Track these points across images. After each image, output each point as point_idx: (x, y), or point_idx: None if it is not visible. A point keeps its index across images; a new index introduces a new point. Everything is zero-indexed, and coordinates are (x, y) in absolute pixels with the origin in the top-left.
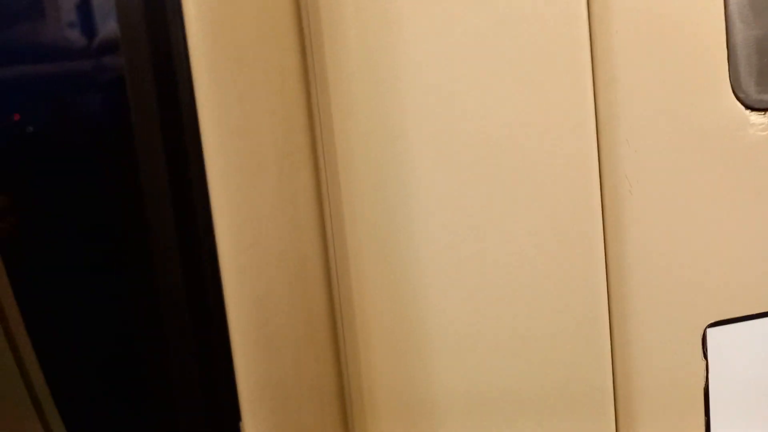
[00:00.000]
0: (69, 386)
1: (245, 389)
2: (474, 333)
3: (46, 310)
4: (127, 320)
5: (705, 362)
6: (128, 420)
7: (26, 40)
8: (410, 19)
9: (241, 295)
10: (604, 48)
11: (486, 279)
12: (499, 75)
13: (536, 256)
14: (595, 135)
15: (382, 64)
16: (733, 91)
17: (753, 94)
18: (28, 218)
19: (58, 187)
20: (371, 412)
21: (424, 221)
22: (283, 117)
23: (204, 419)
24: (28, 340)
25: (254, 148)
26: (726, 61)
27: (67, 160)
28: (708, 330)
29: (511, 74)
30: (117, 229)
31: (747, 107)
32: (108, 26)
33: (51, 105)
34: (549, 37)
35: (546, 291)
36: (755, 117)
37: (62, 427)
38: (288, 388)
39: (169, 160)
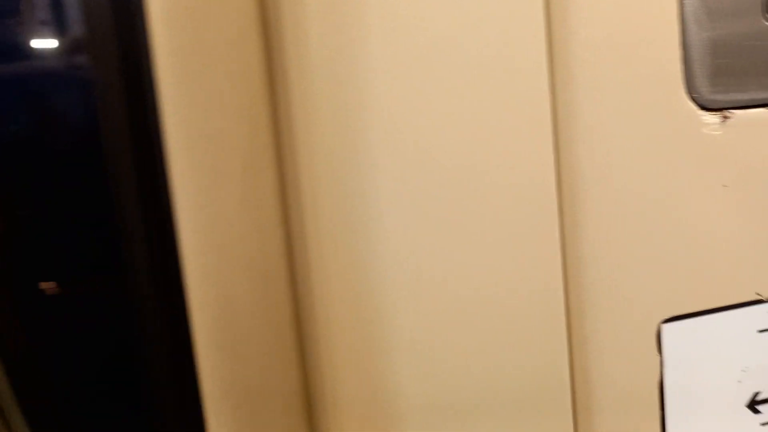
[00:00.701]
0: (33, 390)
1: (211, 395)
2: (435, 335)
3: (12, 313)
4: (90, 324)
5: (660, 357)
6: (93, 424)
7: None
8: (374, 19)
9: (206, 298)
10: (562, 48)
11: (445, 280)
12: (460, 76)
13: (494, 255)
14: (553, 135)
15: (344, 66)
16: (687, 92)
17: (706, 94)
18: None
19: (23, 190)
20: (336, 415)
21: (385, 223)
22: (247, 119)
23: (169, 423)
24: None
25: (218, 150)
26: (680, 62)
27: (31, 162)
28: (662, 325)
29: (470, 75)
30: (80, 233)
31: (701, 107)
32: (73, 28)
33: (15, 107)
34: (507, 37)
35: (504, 290)
36: (708, 117)
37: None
38: (253, 392)
39: (134, 162)
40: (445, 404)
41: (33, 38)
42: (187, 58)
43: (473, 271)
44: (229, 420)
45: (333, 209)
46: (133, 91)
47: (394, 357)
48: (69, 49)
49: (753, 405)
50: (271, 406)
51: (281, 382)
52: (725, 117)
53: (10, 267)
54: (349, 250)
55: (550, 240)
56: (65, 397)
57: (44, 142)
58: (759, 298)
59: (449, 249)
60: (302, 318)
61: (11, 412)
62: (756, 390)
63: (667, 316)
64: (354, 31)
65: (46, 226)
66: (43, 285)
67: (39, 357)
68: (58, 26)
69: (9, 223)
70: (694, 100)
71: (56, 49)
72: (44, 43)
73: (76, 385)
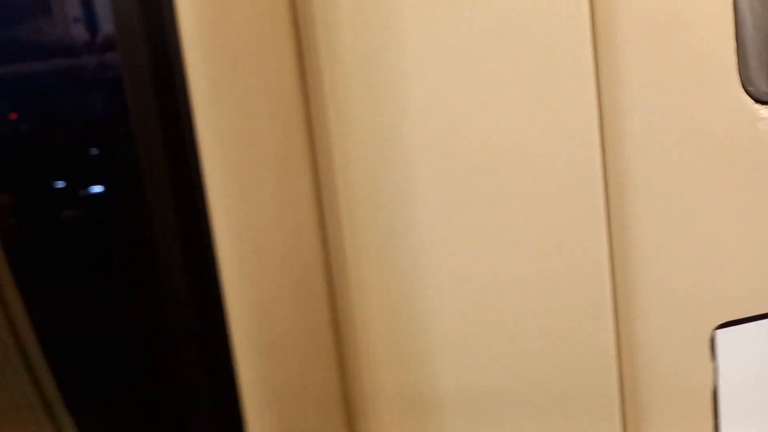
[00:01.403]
0: (74, 393)
1: (249, 397)
2: (477, 336)
3: (50, 313)
4: (129, 328)
5: (713, 364)
6: (132, 428)
7: (20, 39)
8: (408, 19)
9: (243, 303)
10: (608, 43)
11: (488, 281)
12: (500, 75)
13: (540, 257)
14: (599, 134)
15: (379, 66)
16: (743, 85)
17: (763, 87)
18: (28, 219)
19: (56, 190)
20: (376, 417)
21: (424, 224)
22: (281, 120)
23: (209, 427)
24: (37, 343)
25: (253, 152)
26: (735, 54)
27: (63, 162)
28: (716, 331)
29: (512, 74)
30: (116, 236)
31: (757, 101)
32: (103, 27)
33: (47, 105)
34: (550, 34)
35: (550, 293)
36: (765, 111)
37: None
38: (292, 396)
39: (168, 166)
40: (488, 409)
41: (62, 37)
42: (218, 59)
43: (516, 270)
44: (268, 422)
45: (369, 209)
46: (165, 93)
47: (436, 359)
48: (98, 48)
49: None
50: (311, 411)
51: (319, 384)
52: None
53: (53, 265)
54: (388, 252)
55: (599, 243)
56: (103, 401)
57: (77, 146)
58: None
59: (488, 249)
60: (340, 319)
61: (58, 411)
62: None
63: (721, 321)
64: (389, 29)
65: (81, 229)
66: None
67: (79, 362)
68: (87, 25)
69: (46, 224)
70: (750, 93)
71: (85, 49)
72: (74, 43)
73: (116, 390)
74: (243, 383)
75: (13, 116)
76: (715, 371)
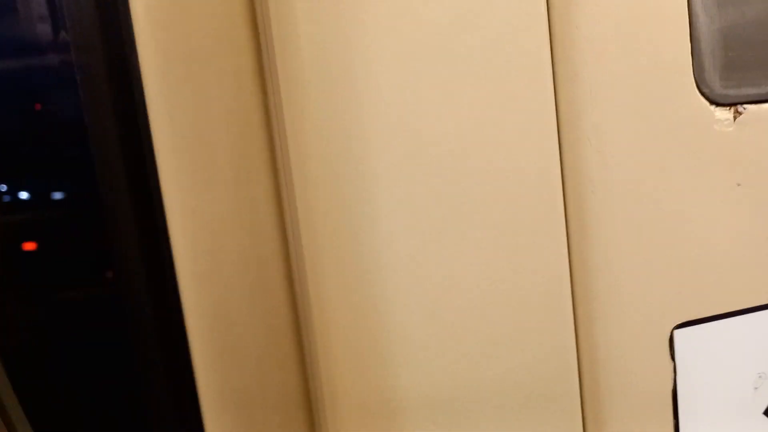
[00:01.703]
0: (32, 392)
1: (207, 398)
2: (438, 338)
3: (9, 318)
4: (85, 328)
5: (672, 364)
6: (91, 429)
7: None
8: (366, 16)
9: (200, 303)
10: (565, 43)
11: (448, 281)
12: (457, 73)
13: (499, 258)
14: (557, 134)
15: (338, 62)
16: (698, 86)
17: (718, 89)
18: None
19: (12, 192)
20: (337, 419)
21: (384, 223)
22: (238, 118)
23: (166, 428)
24: None
25: (209, 151)
26: (690, 55)
27: (20, 162)
28: (675, 331)
29: (469, 72)
30: (71, 237)
31: (712, 102)
32: (56, 27)
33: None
34: (508, 33)
35: (509, 293)
36: (720, 112)
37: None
38: (251, 398)
39: (123, 164)
40: (449, 409)
41: (19, 37)
42: (173, 58)
43: (475, 272)
44: (226, 424)
45: (329, 209)
46: (120, 93)
47: (397, 359)
48: (54, 49)
49: None
50: (271, 411)
51: (279, 385)
52: (738, 112)
53: (8, 270)
54: (348, 251)
55: (556, 241)
56: (62, 402)
57: (31, 143)
58: None
59: (449, 250)
60: (300, 320)
61: (12, 411)
62: None
63: (679, 321)
64: (347, 26)
65: (37, 229)
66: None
67: (36, 359)
68: (43, 26)
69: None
70: (705, 95)
71: (42, 49)
72: (30, 43)
73: (73, 389)
74: (200, 385)
75: None
76: (674, 371)
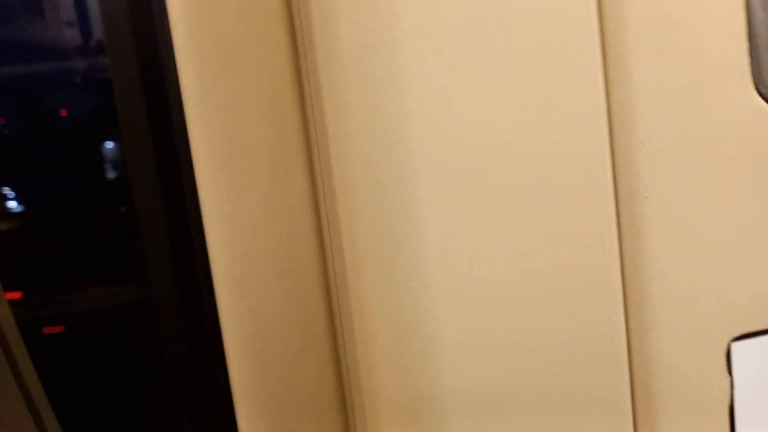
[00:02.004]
0: (65, 395)
1: (242, 403)
2: (480, 340)
3: (41, 318)
4: (122, 332)
5: (730, 378)
6: (124, 430)
7: (11, 40)
8: (409, 14)
9: (236, 308)
10: (617, 43)
11: (493, 285)
12: (504, 74)
13: (548, 264)
14: (608, 137)
15: (379, 62)
16: (755, 86)
17: None
18: (20, 223)
19: (45, 194)
20: (373, 422)
21: (426, 224)
22: (275, 120)
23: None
24: (23, 345)
25: (245, 154)
26: (747, 54)
27: (54, 165)
28: (732, 344)
29: (516, 73)
30: (108, 241)
31: None
32: (92, 28)
33: (37, 107)
34: (557, 32)
35: (558, 300)
36: None
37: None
38: (286, 401)
39: (159, 168)
40: (486, 411)
41: (54, 38)
42: (209, 57)
43: (522, 276)
44: (260, 426)
45: (370, 212)
46: (155, 93)
47: (436, 364)
48: (89, 49)
49: None
50: (306, 416)
51: (316, 392)
52: None
53: (38, 269)
54: (388, 253)
55: (609, 251)
56: (97, 403)
57: (68, 147)
58: None
59: (495, 253)
60: (336, 323)
61: (45, 413)
62: None
63: (737, 334)
64: (388, 23)
65: (68, 232)
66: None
67: (70, 361)
68: (77, 27)
69: (38, 229)
70: (763, 95)
71: (76, 49)
72: (65, 44)
73: (107, 390)
74: (236, 390)
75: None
76: (731, 385)
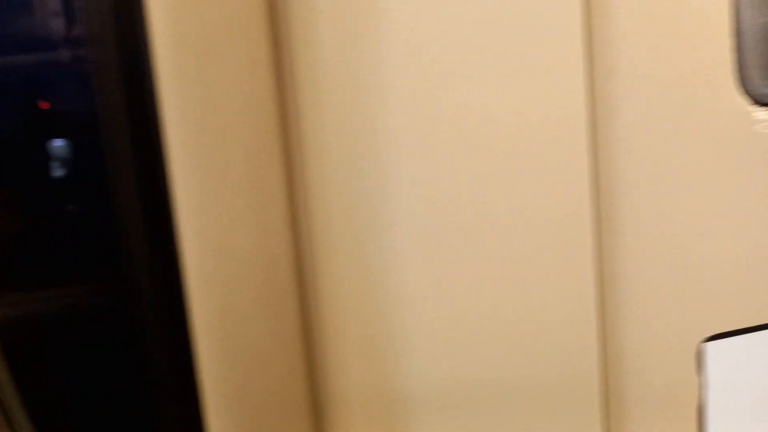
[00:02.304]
0: (37, 392)
1: (211, 398)
2: (448, 341)
3: (14, 315)
4: (91, 325)
5: (700, 378)
6: (94, 428)
7: None
8: (388, 6)
9: (208, 305)
10: (602, 38)
11: (465, 281)
12: (485, 72)
13: (520, 262)
14: (590, 133)
15: (357, 57)
16: (739, 85)
17: (761, 88)
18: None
19: (17, 189)
20: (343, 417)
21: (399, 222)
22: (252, 113)
23: (170, 429)
24: None
25: (221, 146)
26: (732, 51)
27: (27, 160)
28: (704, 345)
29: (498, 70)
30: (78, 236)
31: (755, 102)
32: (68, 20)
33: (12, 102)
34: (542, 30)
35: (529, 299)
36: (763, 113)
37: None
38: (256, 396)
39: (134, 162)
40: (456, 406)
41: (32, 32)
42: (187, 51)
43: (496, 272)
44: (230, 423)
45: (346, 206)
46: (133, 86)
47: (408, 358)
48: (67, 43)
49: None
50: (275, 407)
51: (287, 384)
52: None
53: (10, 267)
54: (358, 247)
55: (584, 247)
56: (65, 402)
57: (40, 139)
58: None
59: (465, 252)
60: (309, 319)
61: (14, 411)
62: None
63: (708, 334)
64: (366, 18)
65: (45, 228)
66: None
67: (39, 359)
68: (56, 21)
69: (10, 225)
70: (748, 93)
71: (54, 43)
72: (43, 38)
73: (76, 388)
74: (205, 385)
75: None
76: (702, 386)
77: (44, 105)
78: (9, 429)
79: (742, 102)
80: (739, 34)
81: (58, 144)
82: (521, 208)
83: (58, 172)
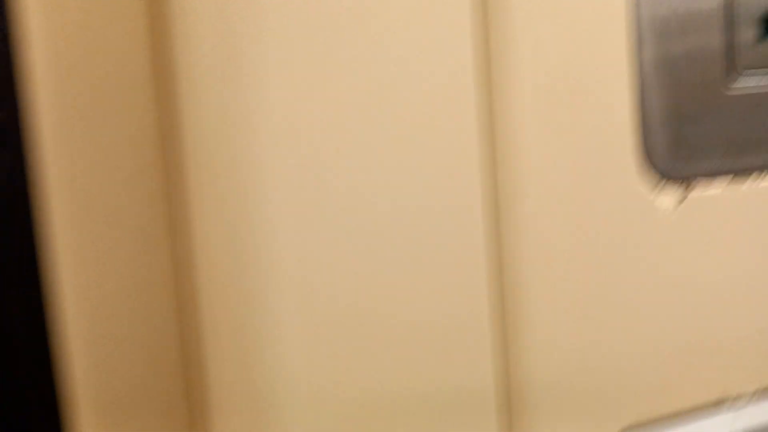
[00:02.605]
0: None
1: (80, 397)
2: (324, 339)
3: None
4: None
5: None
6: None
7: None
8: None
9: (77, 304)
10: (502, 108)
11: (339, 281)
12: (368, 70)
13: (408, 255)
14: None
15: (236, 61)
16: (645, 160)
17: (666, 162)
18: None
19: None
20: (218, 418)
21: (279, 214)
22: (129, 115)
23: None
24: None
25: (99, 146)
26: (636, 126)
27: None
28: None
29: (383, 66)
30: None
31: (662, 177)
32: None
33: None
34: (435, 91)
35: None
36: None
37: None
38: (129, 396)
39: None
40: (329, 403)
41: None
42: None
43: (374, 275)
44: (100, 423)
45: (218, 203)
46: None
47: (278, 358)
48: None
49: None
50: (148, 408)
51: (159, 385)
52: (687, 188)
53: None
54: (233, 243)
55: (475, 244)
56: None
57: None
58: (725, 397)
59: (345, 256)
60: (184, 318)
61: None
62: None
63: (627, 424)
64: (247, 22)
65: None
66: None
67: None
68: None
69: None
70: (654, 166)
71: None
72: None
73: None
74: (74, 384)
75: None
76: None
77: None
78: None
79: (644, 185)
80: (645, 107)
81: None
82: (404, 203)
83: None
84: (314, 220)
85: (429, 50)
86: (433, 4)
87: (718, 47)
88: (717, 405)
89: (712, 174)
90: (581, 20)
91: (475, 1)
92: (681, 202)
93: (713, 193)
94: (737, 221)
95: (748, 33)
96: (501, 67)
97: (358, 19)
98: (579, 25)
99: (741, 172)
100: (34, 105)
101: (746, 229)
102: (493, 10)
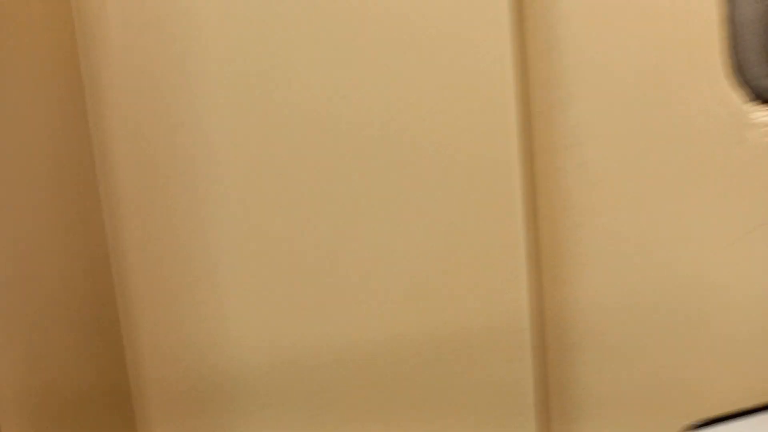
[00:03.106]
0: None
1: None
2: (265, 326)
3: None
4: None
5: None
6: None
7: None
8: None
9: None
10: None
11: (276, 275)
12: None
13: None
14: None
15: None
16: (735, 78)
17: (763, 80)
18: None
19: None
20: (158, 409)
21: (214, 197)
22: (58, 112)
23: None
24: None
25: (24, 140)
26: (724, 40)
27: None
28: None
29: (411, 72)
30: None
31: (754, 97)
32: None
33: None
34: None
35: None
36: (759, 114)
37: None
38: (57, 391)
39: None
40: (271, 391)
41: None
42: None
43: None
44: (26, 421)
45: (148, 198)
46: None
47: (218, 346)
48: None
49: None
50: (84, 403)
51: (96, 379)
52: None
53: None
54: (169, 236)
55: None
56: None
57: None
58: None
59: (279, 244)
60: (120, 313)
61: None
62: None
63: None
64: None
65: None
66: None
67: None
68: None
69: None
70: (746, 87)
71: None
72: None
73: None
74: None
75: None
76: None
77: None
78: None
79: (736, 101)
80: (735, 21)
81: None
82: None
83: None
84: (250, 215)
85: None
86: None
87: None
88: None
89: None
90: None
91: None
92: None
93: None
94: None
95: None
96: None
97: None
98: None
99: None
100: None
101: None
102: None
